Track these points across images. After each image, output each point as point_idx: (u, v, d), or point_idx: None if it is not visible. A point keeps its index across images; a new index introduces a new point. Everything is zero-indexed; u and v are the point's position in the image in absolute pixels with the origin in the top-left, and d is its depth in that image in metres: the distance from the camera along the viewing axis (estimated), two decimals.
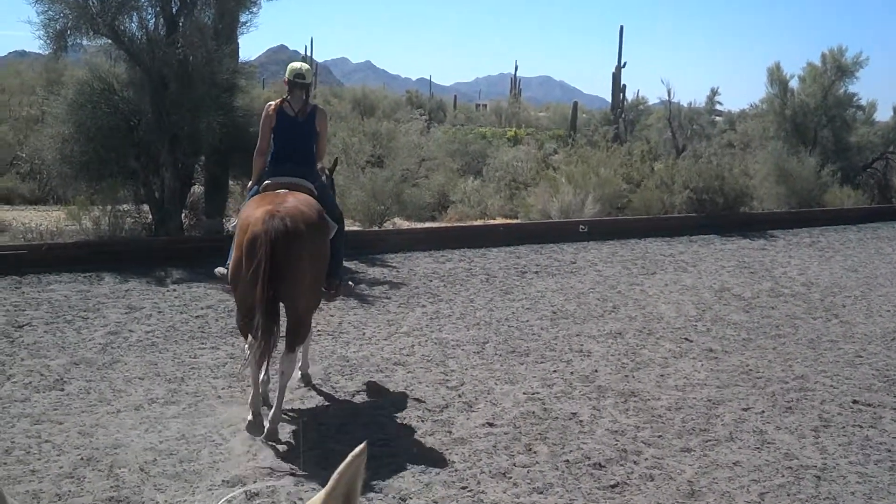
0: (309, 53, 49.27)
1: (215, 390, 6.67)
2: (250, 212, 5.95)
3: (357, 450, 1.11)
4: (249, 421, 5.65)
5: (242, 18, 13.18)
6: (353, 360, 7.71)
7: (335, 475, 1.09)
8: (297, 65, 6.84)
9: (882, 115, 25.47)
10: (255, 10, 13.12)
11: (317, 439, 5.75)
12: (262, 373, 6.00)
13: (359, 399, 6.70)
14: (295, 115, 6.62)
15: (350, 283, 7.52)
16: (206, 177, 13.19)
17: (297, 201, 6.00)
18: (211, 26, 12.57)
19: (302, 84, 6.72)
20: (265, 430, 5.64)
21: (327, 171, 7.39)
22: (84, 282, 10.10)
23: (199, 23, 12.47)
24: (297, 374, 6.82)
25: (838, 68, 23.32)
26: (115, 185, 12.15)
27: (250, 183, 6.86)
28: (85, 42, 12.44)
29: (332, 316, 9.18)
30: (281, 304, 5.84)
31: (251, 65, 15.48)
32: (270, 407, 5.97)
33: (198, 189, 13.44)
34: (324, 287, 6.46)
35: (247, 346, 5.77)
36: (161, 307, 9.23)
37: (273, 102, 6.74)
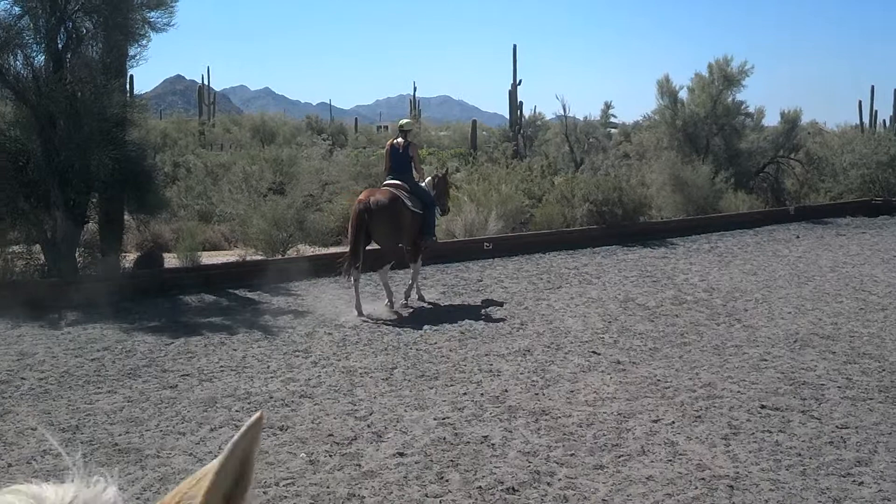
0: (206, 82, 48.55)
1: (112, 437, 6.39)
2: (358, 198, 11.00)
3: (253, 419, 1.03)
4: (355, 314, 10.53)
5: (131, 52, 12.96)
6: (258, 394, 7.51)
7: (230, 444, 0.99)
8: (401, 120, 12.94)
9: (770, 120, 26.19)
10: (144, 42, 12.88)
11: None
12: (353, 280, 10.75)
13: (262, 436, 6.49)
14: (399, 147, 11.48)
15: (436, 239, 12.18)
16: (100, 214, 12.82)
17: (380, 193, 10.91)
18: (99, 61, 12.28)
19: (403, 131, 11.71)
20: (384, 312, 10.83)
21: (441, 174, 12.71)
22: None
23: (86, 58, 12.19)
24: (415, 295, 11.71)
25: (725, 78, 23.96)
26: (5, 227, 11.73)
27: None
28: None
29: (234, 350, 8.96)
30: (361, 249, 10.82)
31: (143, 97, 15.13)
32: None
33: (92, 226, 13.02)
34: (418, 242, 11.48)
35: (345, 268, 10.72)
36: (55, 352, 8.87)
37: (389, 141, 12.00)
